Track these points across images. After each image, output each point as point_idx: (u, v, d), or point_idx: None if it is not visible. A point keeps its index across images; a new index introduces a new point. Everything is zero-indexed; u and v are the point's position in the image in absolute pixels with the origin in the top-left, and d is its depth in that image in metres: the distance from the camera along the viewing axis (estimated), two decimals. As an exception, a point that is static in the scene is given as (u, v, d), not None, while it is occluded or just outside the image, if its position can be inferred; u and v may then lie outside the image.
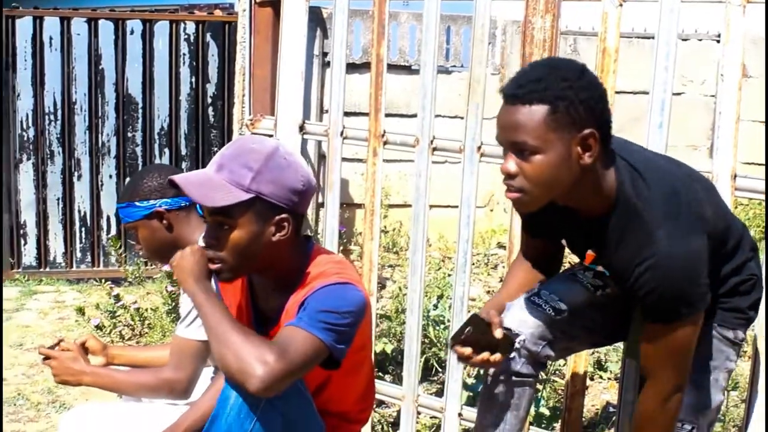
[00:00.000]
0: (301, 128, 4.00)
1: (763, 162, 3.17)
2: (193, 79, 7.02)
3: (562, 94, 2.39)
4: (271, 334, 2.57)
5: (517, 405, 2.95)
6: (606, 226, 2.58)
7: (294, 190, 2.52)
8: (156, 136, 7.02)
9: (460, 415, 3.71)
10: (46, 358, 3.19)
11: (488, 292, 5.92)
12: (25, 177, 6.94)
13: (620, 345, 3.73)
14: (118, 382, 3.18)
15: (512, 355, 2.86)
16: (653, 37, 3.30)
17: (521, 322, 2.86)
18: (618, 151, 2.56)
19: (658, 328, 2.59)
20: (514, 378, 2.91)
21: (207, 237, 2.53)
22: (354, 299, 2.50)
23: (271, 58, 4.15)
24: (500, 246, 7.16)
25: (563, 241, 2.87)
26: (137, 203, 3.22)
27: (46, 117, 6.90)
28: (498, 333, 2.68)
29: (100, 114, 6.95)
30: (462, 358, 2.72)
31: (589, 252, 2.74)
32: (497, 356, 2.69)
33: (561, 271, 3.06)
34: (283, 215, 2.51)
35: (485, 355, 2.68)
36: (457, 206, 3.67)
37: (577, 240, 2.77)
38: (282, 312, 2.60)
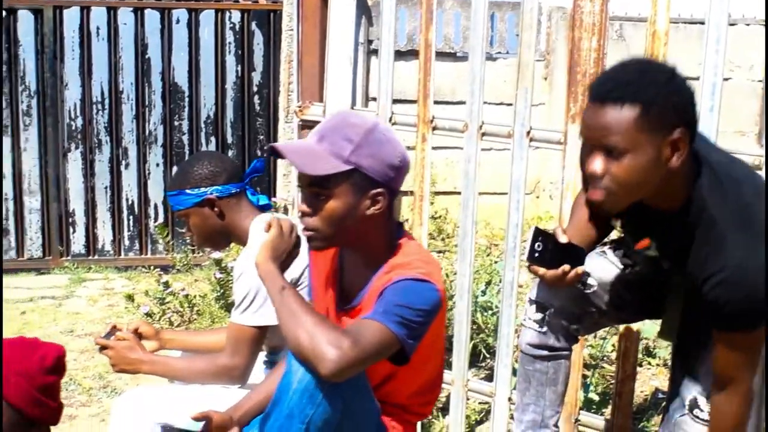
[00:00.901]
0: (350, 115, 4.01)
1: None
2: (239, 68, 7.04)
3: (653, 96, 2.37)
4: (351, 314, 2.63)
5: (555, 380, 2.98)
6: (674, 223, 2.57)
7: (391, 165, 2.56)
8: (202, 125, 7.05)
9: (510, 399, 3.71)
10: (103, 348, 3.23)
11: (534, 278, 5.90)
12: (74, 166, 6.99)
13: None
14: (175, 370, 3.22)
15: (544, 329, 2.88)
16: (700, 23, 3.28)
17: (550, 296, 2.89)
18: (699, 150, 2.54)
19: (731, 336, 2.59)
20: (548, 353, 2.94)
21: (303, 206, 2.58)
22: (430, 298, 2.52)
23: (320, 45, 4.17)
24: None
25: (617, 221, 2.84)
26: (188, 191, 3.25)
27: (94, 106, 6.94)
28: (563, 238, 2.69)
29: (146, 103, 6.99)
30: (540, 277, 2.73)
31: (645, 240, 2.73)
32: (566, 267, 2.68)
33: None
34: (379, 189, 2.56)
35: (565, 267, 2.68)
36: (503, 193, 3.67)
37: (636, 227, 2.76)
38: (363, 293, 2.64)
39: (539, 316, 2.92)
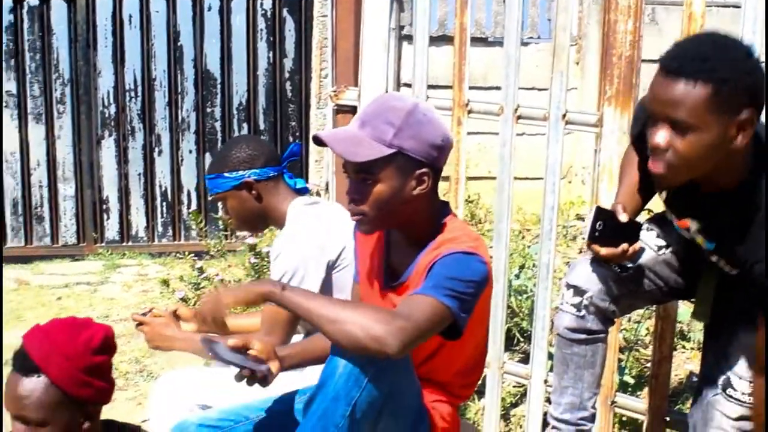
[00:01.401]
0: (385, 99, 4.02)
1: None
2: (271, 54, 7.06)
3: (728, 75, 2.36)
4: (398, 291, 2.64)
5: (593, 362, 2.98)
6: (726, 204, 2.56)
7: (433, 144, 2.58)
8: (235, 111, 7.08)
9: (546, 382, 3.72)
10: (139, 324, 3.26)
11: (567, 263, 5.91)
12: (107, 153, 7.04)
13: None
14: None
15: (581, 313, 2.89)
16: (734, 6, 3.27)
17: (588, 279, 2.89)
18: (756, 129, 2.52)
19: None
20: (586, 336, 2.94)
21: (350, 192, 2.61)
22: (478, 270, 2.54)
23: (354, 29, 4.19)
24: (579, 218, 7.12)
25: (662, 194, 2.85)
26: (226, 174, 3.28)
27: (127, 94, 6.99)
28: (623, 217, 2.73)
29: (179, 90, 7.03)
30: (600, 256, 2.78)
31: (687, 220, 2.72)
32: (625, 246, 2.75)
33: None
34: (424, 169, 2.58)
35: (624, 246, 2.74)
36: (535, 178, 3.67)
37: (682, 203, 2.75)
38: (410, 270, 2.66)
39: (577, 300, 2.92)
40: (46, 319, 2.52)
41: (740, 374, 2.78)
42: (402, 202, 2.59)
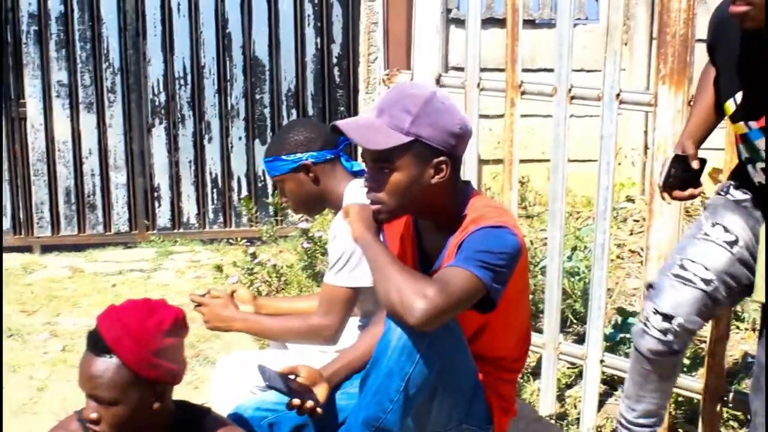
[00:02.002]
0: (438, 81, 4.03)
1: None
2: (318, 40, 7.07)
3: None
4: (433, 275, 2.65)
5: (672, 374, 3.06)
6: None
7: (451, 133, 2.58)
8: (283, 98, 7.10)
9: (602, 362, 3.73)
10: (198, 305, 3.30)
11: (618, 245, 5.90)
12: (158, 141, 7.08)
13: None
14: (268, 328, 3.29)
15: (668, 338, 2.89)
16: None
17: (676, 305, 2.88)
18: None
19: None
20: (670, 357, 2.95)
21: (368, 180, 2.63)
22: (509, 242, 2.54)
23: (406, 13, 4.20)
24: (629, 199, 7.09)
25: (734, 102, 2.83)
26: (284, 157, 3.31)
27: (177, 82, 7.02)
28: (695, 164, 2.83)
29: (228, 77, 7.05)
30: (671, 199, 2.95)
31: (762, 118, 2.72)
32: (693, 190, 2.90)
33: (689, 231, 3.08)
34: (442, 158, 2.58)
35: (691, 190, 2.87)
36: (584, 160, 3.67)
37: (758, 97, 2.73)
38: (443, 255, 2.67)
39: (665, 326, 2.92)
40: (102, 306, 2.57)
41: None
42: (420, 191, 2.60)
